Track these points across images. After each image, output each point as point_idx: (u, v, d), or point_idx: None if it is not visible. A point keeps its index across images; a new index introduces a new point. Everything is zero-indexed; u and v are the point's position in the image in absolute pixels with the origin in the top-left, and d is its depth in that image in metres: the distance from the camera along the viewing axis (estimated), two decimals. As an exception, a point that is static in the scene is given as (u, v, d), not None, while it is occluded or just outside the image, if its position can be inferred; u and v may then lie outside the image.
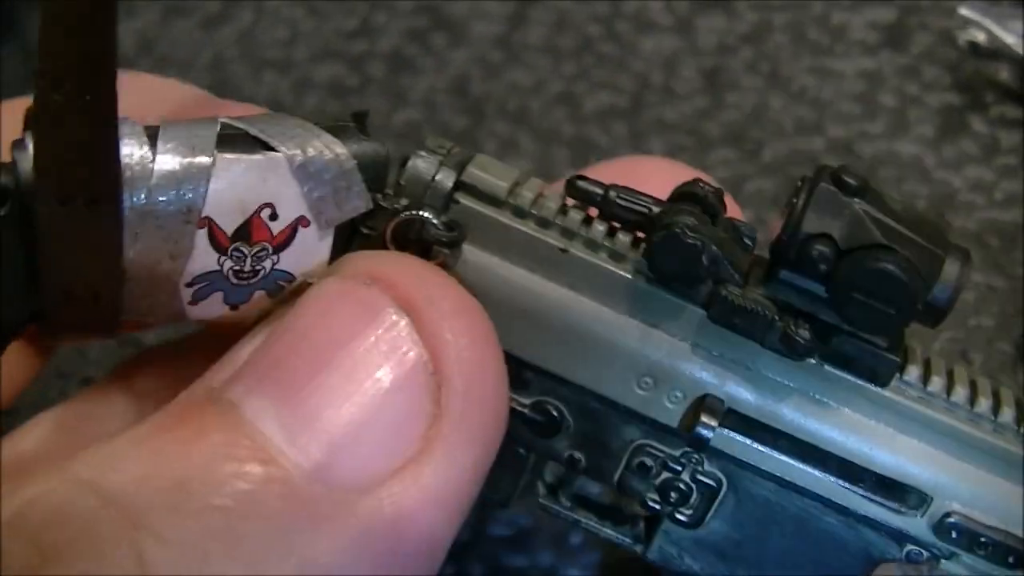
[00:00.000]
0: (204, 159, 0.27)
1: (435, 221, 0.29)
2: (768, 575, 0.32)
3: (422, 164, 0.30)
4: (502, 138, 0.54)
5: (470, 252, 0.30)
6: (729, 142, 0.54)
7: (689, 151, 0.54)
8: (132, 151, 0.26)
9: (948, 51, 0.57)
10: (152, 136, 0.27)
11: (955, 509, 0.30)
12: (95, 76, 0.24)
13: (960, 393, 0.30)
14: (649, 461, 0.31)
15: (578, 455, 0.31)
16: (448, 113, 0.55)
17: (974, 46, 0.56)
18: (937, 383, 0.30)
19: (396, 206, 0.29)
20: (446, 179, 0.30)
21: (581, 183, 0.30)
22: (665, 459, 0.31)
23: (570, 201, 0.31)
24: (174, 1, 0.59)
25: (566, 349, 0.30)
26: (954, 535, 0.30)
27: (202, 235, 0.27)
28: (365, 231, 0.29)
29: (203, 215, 0.27)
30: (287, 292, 0.29)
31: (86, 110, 0.25)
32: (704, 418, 0.30)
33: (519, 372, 0.30)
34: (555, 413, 0.31)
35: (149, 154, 0.26)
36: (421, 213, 0.29)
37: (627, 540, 0.33)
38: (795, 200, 0.28)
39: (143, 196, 0.26)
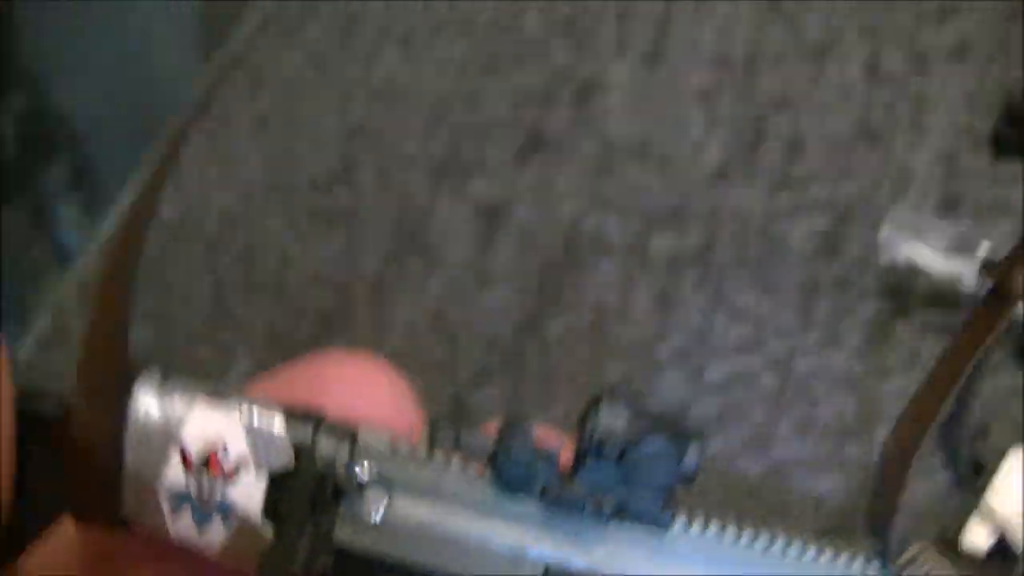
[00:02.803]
0: (185, 408, 0.37)
1: (355, 470, 0.37)
2: None
3: (324, 442, 0.38)
4: (474, 368, 0.61)
5: (377, 496, 0.38)
6: (677, 366, 0.60)
7: (642, 373, 0.60)
8: (144, 393, 0.37)
9: (877, 259, 0.63)
10: (164, 386, 0.37)
11: None
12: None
13: (731, 530, 0.38)
14: None
15: None
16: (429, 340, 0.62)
17: (897, 259, 0.62)
18: (698, 523, 0.38)
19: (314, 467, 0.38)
20: (343, 445, 0.38)
21: (437, 429, 0.39)
22: None
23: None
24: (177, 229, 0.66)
25: (455, 554, 0.38)
26: None
27: (176, 458, 0.37)
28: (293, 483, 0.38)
29: (179, 444, 0.37)
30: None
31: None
32: None
33: None
34: None
35: (156, 398, 0.37)
36: (337, 468, 0.38)
37: None
38: (587, 418, 0.37)
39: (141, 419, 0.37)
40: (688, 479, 0.39)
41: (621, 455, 0.38)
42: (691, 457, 0.38)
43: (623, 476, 0.39)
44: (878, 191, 0.68)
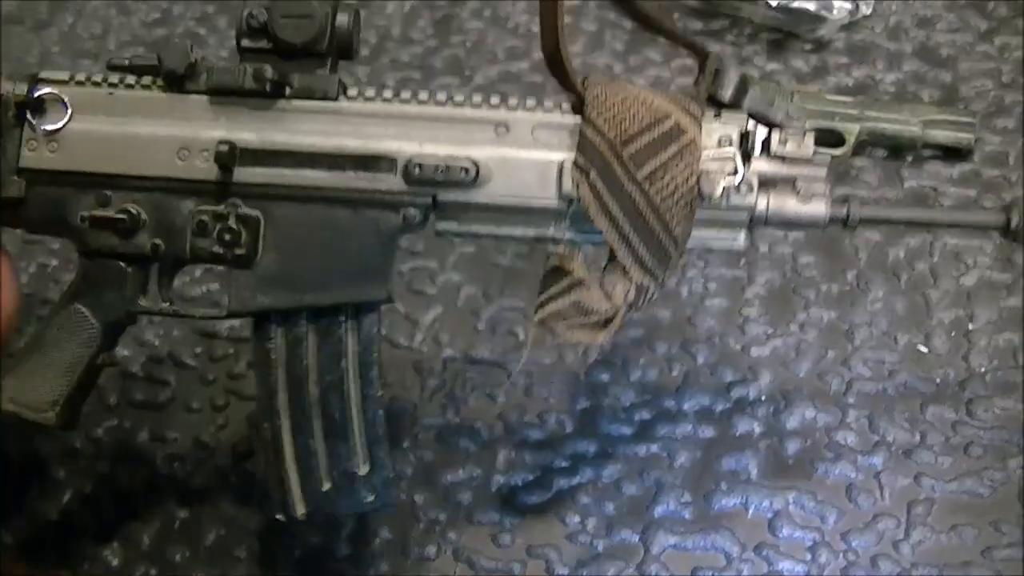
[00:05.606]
0: None
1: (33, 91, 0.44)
2: (324, 290, 0.43)
3: (4, 80, 0.45)
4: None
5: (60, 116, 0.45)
6: (450, 72, 0.65)
7: (416, 81, 0.65)
8: None
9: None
10: None
11: (413, 157, 0.43)
12: None
13: (391, 90, 0.44)
14: (205, 219, 0.43)
15: (158, 241, 0.44)
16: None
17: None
18: (371, 90, 0.44)
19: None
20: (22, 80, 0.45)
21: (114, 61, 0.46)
22: (215, 213, 0.43)
23: None
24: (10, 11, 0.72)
25: (130, 153, 0.44)
26: (418, 175, 0.43)
27: None
28: None
29: None
30: None
31: None
32: (223, 160, 0.43)
33: (101, 191, 0.44)
34: (133, 211, 0.44)
35: None
36: (16, 94, 0.45)
37: (212, 312, 0.45)
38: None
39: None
40: (347, 51, 0.42)
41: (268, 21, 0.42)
42: (342, 23, 0.42)
43: (279, 48, 0.42)
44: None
